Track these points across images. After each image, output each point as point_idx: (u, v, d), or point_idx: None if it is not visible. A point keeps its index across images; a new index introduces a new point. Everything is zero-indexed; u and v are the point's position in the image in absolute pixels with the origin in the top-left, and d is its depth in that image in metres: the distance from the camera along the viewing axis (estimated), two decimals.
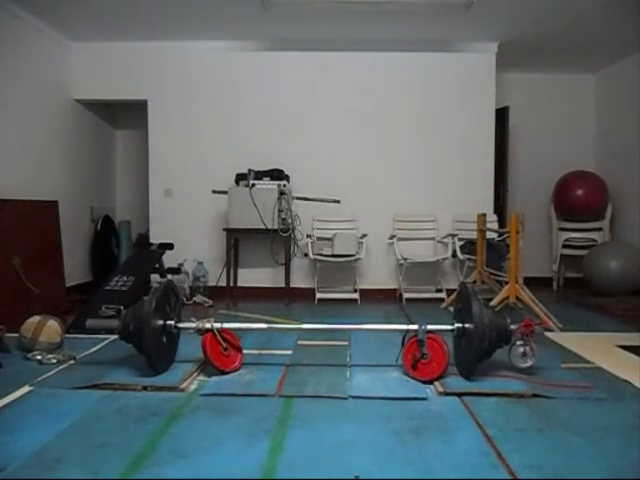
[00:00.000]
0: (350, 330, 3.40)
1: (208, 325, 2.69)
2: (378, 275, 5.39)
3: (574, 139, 6.31)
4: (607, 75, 6.10)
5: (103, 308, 3.65)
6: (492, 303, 3.81)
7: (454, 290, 4.04)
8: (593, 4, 4.32)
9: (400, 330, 2.76)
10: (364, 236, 5.10)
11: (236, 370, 2.73)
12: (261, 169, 4.92)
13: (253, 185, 4.78)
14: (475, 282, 4.64)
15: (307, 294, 5.15)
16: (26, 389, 2.47)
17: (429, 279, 5.34)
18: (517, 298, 3.98)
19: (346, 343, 3.30)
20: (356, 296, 5.07)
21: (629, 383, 2.59)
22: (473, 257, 4.91)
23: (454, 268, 5.38)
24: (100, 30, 5.03)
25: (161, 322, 2.63)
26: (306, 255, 5.14)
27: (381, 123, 5.40)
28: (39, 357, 2.93)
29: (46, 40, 4.91)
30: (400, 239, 5.23)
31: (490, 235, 4.98)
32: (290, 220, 4.84)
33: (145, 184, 5.53)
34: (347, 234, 5.02)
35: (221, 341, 2.68)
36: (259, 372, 2.73)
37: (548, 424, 2.09)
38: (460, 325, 2.64)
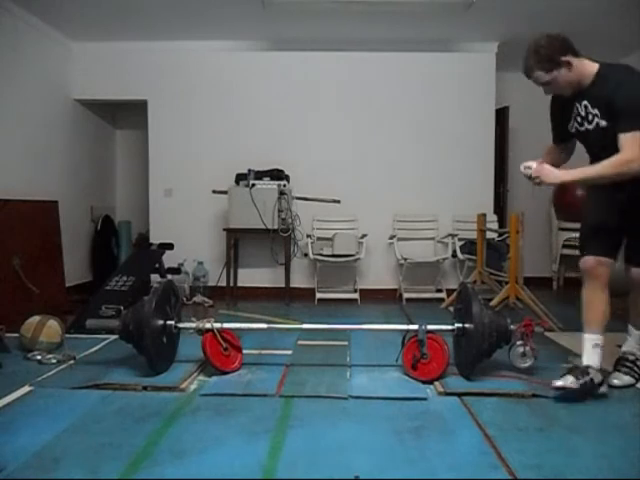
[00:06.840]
0: (350, 330, 3.39)
1: (208, 325, 2.69)
2: (378, 275, 5.39)
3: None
4: None
5: (103, 308, 3.65)
6: (492, 303, 3.82)
7: (454, 290, 4.04)
8: (593, 4, 4.32)
9: (400, 330, 2.77)
10: (364, 236, 5.09)
11: (236, 370, 2.72)
12: (261, 169, 4.91)
13: (253, 185, 4.78)
14: (475, 282, 4.64)
15: (307, 294, 5.15)
16: (26, 389, 2.46)
17: (429, 279, 5.34)
18: (517, 298, 3.98)
19: (346, 343, 3.29)
20: (356, 296, 5.07)
21: None
22: (473, 257, 4.90)
23: (454, 268, 5.38)
24: (100, 30, 5.03)
25: (161, 322, 2.63)
26: (306, 255, 5.14)
27: (381, 123, 5.39)
28: (39, 357, 2.92)
29: (46, 40, 4.91)
30: (400, 239, 5.23)
31: (490, 235, 4.98)
32: (290, 220, 4.84)
33: (145, 184, 5.53)
34: (347, 234, 5.02)
35: (221, 341, 2.68)
36: (259, 372, 2.72)
37: (548, 424, 2.09)
38: (460, 325, 2.64)
